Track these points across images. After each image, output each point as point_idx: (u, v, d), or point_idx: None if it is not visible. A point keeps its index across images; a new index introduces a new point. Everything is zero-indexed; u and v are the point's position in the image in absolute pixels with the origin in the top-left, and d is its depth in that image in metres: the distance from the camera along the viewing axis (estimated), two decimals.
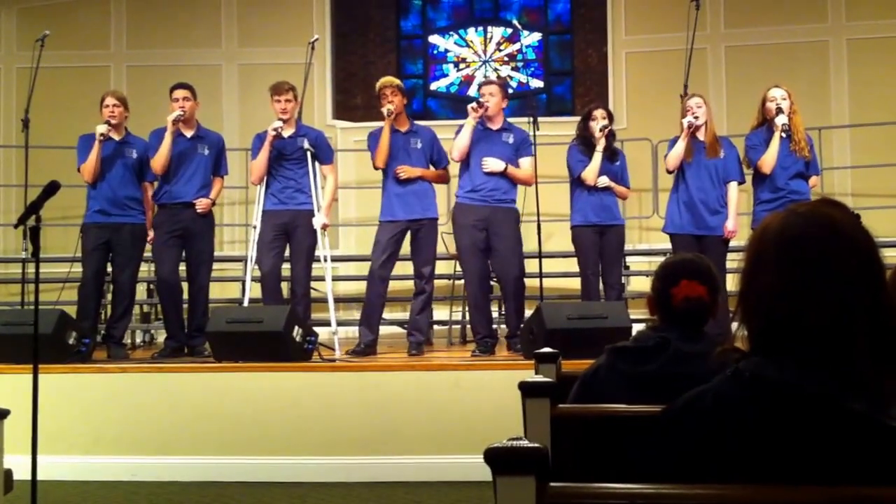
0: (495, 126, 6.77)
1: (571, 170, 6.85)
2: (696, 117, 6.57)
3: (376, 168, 6.90)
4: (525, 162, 6.78)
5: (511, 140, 6.77)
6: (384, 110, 6.76)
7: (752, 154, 6.54)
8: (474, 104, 6.66)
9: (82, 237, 6.90)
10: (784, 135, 6.41)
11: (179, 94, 6.96)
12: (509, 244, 6.66)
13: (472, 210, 6.68)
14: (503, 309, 7.42)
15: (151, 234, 6.98)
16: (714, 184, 6.63)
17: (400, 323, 8.21)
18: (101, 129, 6.79)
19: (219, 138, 7.28)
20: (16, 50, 10.37)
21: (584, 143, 6.82)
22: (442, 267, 8.89)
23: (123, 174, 6.90)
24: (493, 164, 6.65)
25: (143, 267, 9.26)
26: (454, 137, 6.78)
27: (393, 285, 7.00)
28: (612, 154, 6.84)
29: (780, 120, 6.39)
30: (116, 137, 6.92)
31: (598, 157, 6.71)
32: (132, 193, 6.94)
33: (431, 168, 6.98)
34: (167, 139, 6.84)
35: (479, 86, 7.03)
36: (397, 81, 6.98)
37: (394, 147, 6.81)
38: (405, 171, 6.76)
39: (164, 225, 6.92)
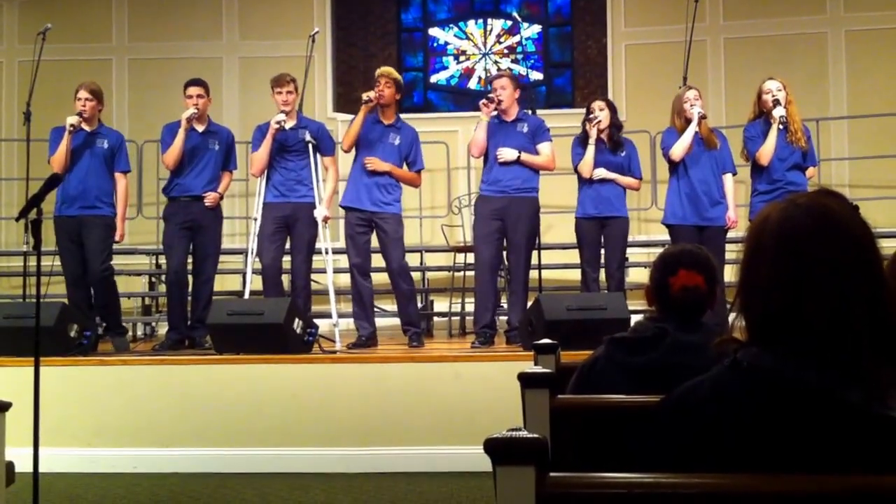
0: (510, 118, 6.76)
1: (572, 162, 6.88)
2: (700, 109, 6.59)
3: (342, 148, 6.97)
4: (543, 148, 6.77)
5: (526, 129, 6.77)
6: (363, 96, 6.77)
7: (751, 145, 6.56)
8: (485, 100, 6.66)
9: (55, 229, 6.83)
10: (781, 126, 6.43)
11: (193, 90, 6.98)
12: (524, 235, 6.66)
13: (491, 201, 6.69)
14: (504, 300, 7.44)
15: (120, 229, 6.93)
16: (714, 175, 6.65)
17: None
18: (72, 120, 6.76)
19: (229, 133, 7.32)
20: (17, 43, 10.35)
21: (585, 136, 6.83)
22: (442, 259, 8.92)
23: (94, 165, 6.87)
24: (507, 153, 6.65)
25: (144, 259, 9.32)
26: (474, 131, 6.78)
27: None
28: (615, 146, 6.84)
29: (778, 112, 6.41)
30: (88, 128, 6.91)
31: (590, 150, 6.72)
32: (102, 185, 6.90)
33: (405, 167, 6.97)
34: (180, 135, 6.87)
35: (490, 80, 7.01)
36: (395, 74, 6.98)
37: (371, 137, 6.82)
38: (374, 164, 6.76)
39: (174, 217, 6.96)
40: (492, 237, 6.69)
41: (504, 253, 6.89)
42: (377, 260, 7.00)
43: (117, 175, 7.02)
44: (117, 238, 6.97)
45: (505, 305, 7.26)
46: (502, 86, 6.72)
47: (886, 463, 1.40)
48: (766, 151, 6.45)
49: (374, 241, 6.91)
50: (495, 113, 6.69)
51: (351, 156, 7.04)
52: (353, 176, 6.87)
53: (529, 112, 7.00)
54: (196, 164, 6.99)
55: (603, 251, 6.88)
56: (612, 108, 6.93)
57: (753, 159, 6.55)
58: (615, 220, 6.81)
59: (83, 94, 6.89)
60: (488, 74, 10.77)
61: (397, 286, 6.81)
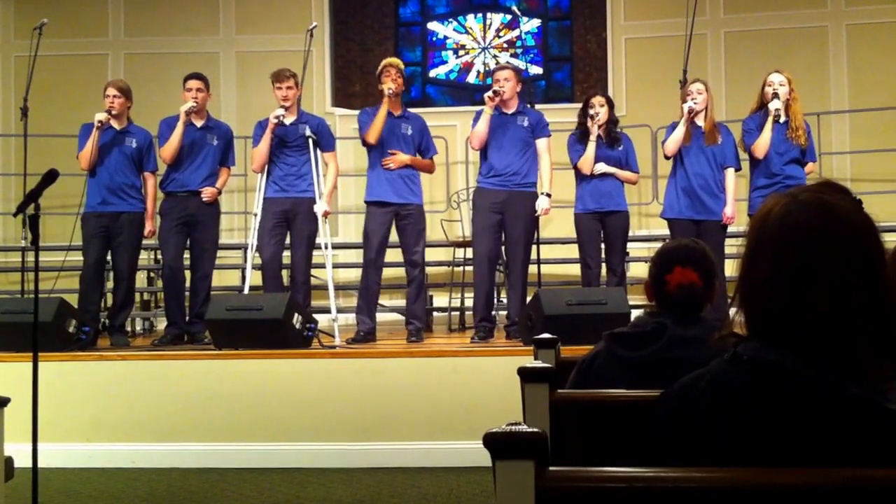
0: (510, 110, 6.75)
1: (570, 159, 6.86)
2: (696, 102, 6.57)
3: (366, 144, 6.82)
4: (541, 143, 6.76)
5: (526, 123, 6.75)
6: (385, 88, 6.72)
7: (748, 138, 6.55)
8: (490, 93, 6.64)
9: (82, 226, 6.91)
10: (779, 121, 6.42)
11: (193, 84, 6.98)
12: (522, 229, 6.66)
13: (490, 194, 6.68)
14: (503, 295, 7.43)
15: (149, 226, 6.99)
16: (713, 169, 6.64)
17: (399, 310, 8.21)
18: (100, 116, 6.80)
19: (228, 129, 7.32)
20: (14, 38, 10.34)
21: (583, 131, 6.82)
22: (441, 254, 8.90)
23: (122, 163, 6.92)
24: (543, 203, 6.63)
25: (143, 255, 9.30)
26: (472, 123, 6.77)
27: (392, 272, 7.00)
28: (612, 140, 6.83)
29: (774, 105, 6.40)
30: (117, 126, 6.93)
31: (591, 146, 6.71)
32: (131, 181, 6.95)
33: (418, 156, 6.96)
34: (179, 129, 6.87)
35: (493, 71, 7.00)
36: (402, 64, 6.99)
37: (385, 130, 6.79)
38: (395, 161, 6.74)
39: (170, 213, 6.96)
40: (491, 230, 6.68)
41: (502, 247, 6.88)
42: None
43: (146, 174, 7.06)
44: (146, 234, 7.03)
45: (504, 300, 7.25)
46: (506, 77, 6.71)
47: (887, 456, 1.39)
48: (762, 144, 6.44)
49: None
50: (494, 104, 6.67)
51: (351, 152, 7.01)
52: (374, 171, 6.82)
53: (529, 106, 6.98)
54: (194, 160, 6.98)
55: (603, 246, 6.87)
56: (610, 104, 6.92)
57: (749, 152, 6.55)
58: (616, 214, 6.81)
59: (111, 90, 6.92)
60: (487, 68, 10.76)
61: (415, 278, 6.80)
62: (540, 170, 6.73)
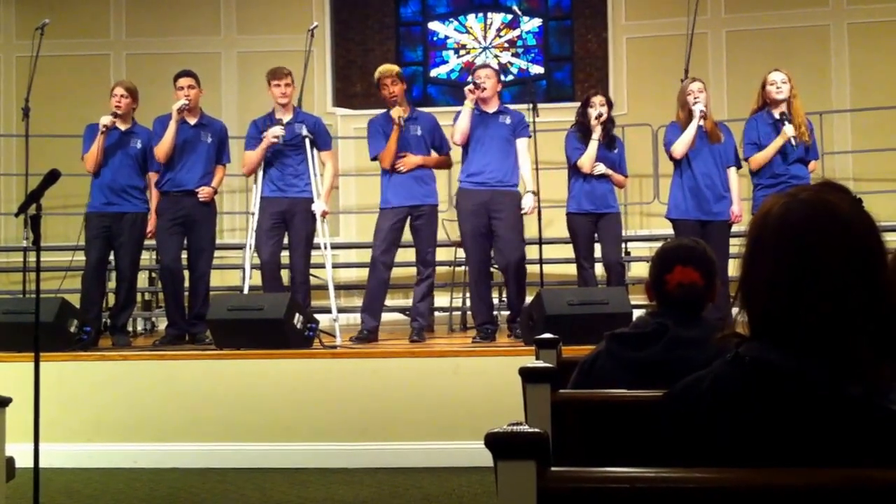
0: (491, 109, 6.76)
1: (568, 157, 6.85)
2: (702, 104, 6.56)
3: (382, 165, 6.79)
4: (521, 144, 6.76)
5: (508, 121, 6.75)
6: (394, 115, 6.69)
7: (749, 151, 6.54)
8: (471, 86, 6.66)
9: (85, 226, 6.92)
10: (792, 144, 6.39)
11: (184, 82, 6.95)
12: (510, 229, 6.65)
13: (473, 195, 6.66)
14: (504, 295, 7.43)
15: (150, 226, 6.98)
16: (718, 169, 6.64)
17: (401, 310, 8.21)
18: (105, 120, 6.80)
19: (222, 126, 7.28)
20: (15, 38, 10.35)
21: (581, 130, 6.81)
22: (443, 254, 8.89)
23: (126, 163, 6.92)
24: (528, 202, 6.62)
25: (145, 255, 9.31)
26: (453, 122, 6.77)
27: (393, 272, 6.99)
28: (610, 142, 6.83)
29: (790, 131, 6.37)
30: (122, 127, 6.93)
31: (593, 145, 6.71)
32: (134, 182, 6.95)
33: (433, 154, 6.96)
34: (171, 127, 6.84)
35: (472, 70, 7.03)
36: (396, 69, 6.97)
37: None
38: (404, 164, 6.74)
39: (166, 212, 6.93)
40: (479, 233, 6.67)
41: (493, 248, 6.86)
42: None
43: (150, 174, 7.05)
44: (147, 233, 7.02)
45: (503, 299, 7.24)
46: (487, 75, 6.73)
47: (887, 456, 1.39)
48: (762, 159, 6.44)
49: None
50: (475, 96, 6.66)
51: (352, 152, 7.00)
52: (385, 177, 6.79)
53: (529, 106, 6.98)
54: (188, 158, 6.94)
55: (598, 246, 6.85)
56: (609, 105, 6.92)
57: (748, 160, 6.56)
58: (609, 215, 6.80)
59: (119, 90, 6.92)
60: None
61: (426, 277, 6.80)
62: (521, 169, 6.73)
